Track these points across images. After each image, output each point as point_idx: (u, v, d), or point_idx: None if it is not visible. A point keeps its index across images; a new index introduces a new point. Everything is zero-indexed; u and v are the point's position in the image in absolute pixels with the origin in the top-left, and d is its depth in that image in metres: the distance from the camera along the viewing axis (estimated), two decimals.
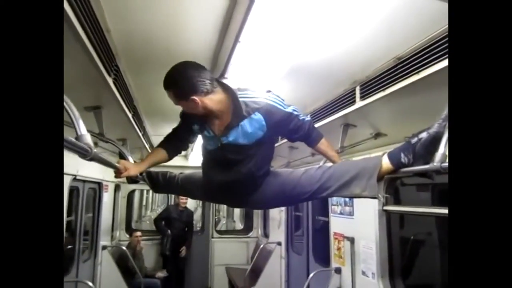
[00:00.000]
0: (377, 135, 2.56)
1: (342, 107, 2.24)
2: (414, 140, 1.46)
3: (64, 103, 1.03)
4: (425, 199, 3.13)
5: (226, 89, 1.57)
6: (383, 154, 1.54)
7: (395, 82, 1.74)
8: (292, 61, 1.79)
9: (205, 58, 1.79)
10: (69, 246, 3.84)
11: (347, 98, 2.17)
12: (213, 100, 1.53)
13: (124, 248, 5.14)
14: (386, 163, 1.51)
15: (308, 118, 1.77)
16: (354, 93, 2.09)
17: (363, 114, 2.20)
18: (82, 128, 0.93)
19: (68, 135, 0.88)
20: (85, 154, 0.92)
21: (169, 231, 5.90)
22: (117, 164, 2.01)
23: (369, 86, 1.93)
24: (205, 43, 1.67)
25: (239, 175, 1.67)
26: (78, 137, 0.90)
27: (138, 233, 5.74)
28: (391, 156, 1.50)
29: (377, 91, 1.88)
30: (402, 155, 1.46)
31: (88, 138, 0.92)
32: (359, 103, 2.05)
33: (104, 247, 4.86)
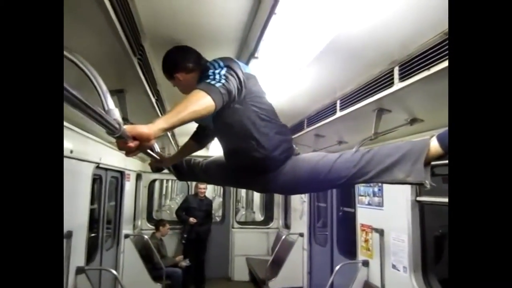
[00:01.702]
0: (413, 120, 2.40)
1: (376, 90, 2.10)
2: None
3: (91, 77, 0.95)
4: None
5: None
6: (432, 137, 1.40)
7: (441, 60, 1.58)
8: (327, 38, 1.65)
9: (235, 36, 1.68)
10: (93, 234, 3.85)
11: (384, 80, 2.02)
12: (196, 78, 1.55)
13: (146, 237, 5.16)
14: (434, 146, 1.37)
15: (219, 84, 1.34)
16: (392, 74, 1.94)
17: (400, 98, 2.05)
18: (110, 103, 0.85)
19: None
20: (113, 130, 0.82)
21: (190, 219, 5.88)
22: (154, 154, 1.97)
23: (411, 65, 1.78)
24: (236, 20, 1.56)
25: (247, 154, 1.60)
26: (106, 112, 0.82)
27: (167, 226, 5.77)
28: (441, 139, 1.36)
29: (419, 71, 1.72)
30: None
31: (117, 114, 0.84)
32: (397, 85, 1.90)
33: (126, 236, 4.88)
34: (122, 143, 0.98)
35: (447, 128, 1.39)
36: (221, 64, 1.41)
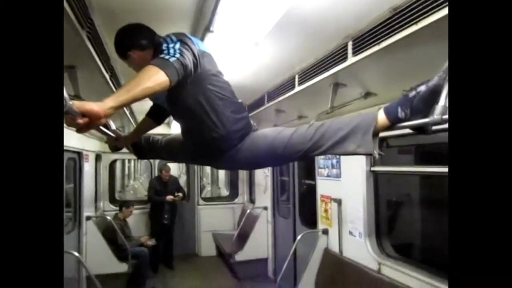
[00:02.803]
0: (367, 94, 2.50)
1: (332, 64, 2.15)
2: (412, 93, 1.39)
3: None
4: (407, 161, 3.16)
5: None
6: (379, 109, 1.48)
7: (390, 35, 1.65)
8: (281, 11, 1.66)
9: (189, 9, 1.64)
10: None
11: (339, 55, 2.07)
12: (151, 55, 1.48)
13: (109, 218, 5.07)
14: (382, 118, 1.45)
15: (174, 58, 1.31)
16: (346, 49, 2.00)
17: (354, 72, 2.12)
18: None
19: None
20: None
21: (168, 197, 5.91)
22: (109, 132, 1.91)
23: (363, 40, 1.84)
24: None
25: (204, 134, 1.60)
26: None
27: (132, 208, 5.69)
28: (387, 111, 1.44)
29: (370, 46, 1.79)
30: (399, 109, 1.40)
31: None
32: (351, 59, 1.96)
33: (88, 218, 4.77)
34: (70, 119, 0.95)
35: (393, 101, 1.48)
36: (174, 39, 1.38)
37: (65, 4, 1.28)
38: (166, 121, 5.88)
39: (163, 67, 1.21)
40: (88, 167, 4.92)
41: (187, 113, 1.58)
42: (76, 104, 0.95)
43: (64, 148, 3.80)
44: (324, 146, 1.53)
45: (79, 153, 4.55)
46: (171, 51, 1.29)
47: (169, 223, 5.96)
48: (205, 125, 1.56)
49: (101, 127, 1.57)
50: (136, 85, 1.14)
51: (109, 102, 1.05)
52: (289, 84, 2.80)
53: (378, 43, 1.73)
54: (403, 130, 1.46)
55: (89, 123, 1.01)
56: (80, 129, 1.02)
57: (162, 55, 1.27)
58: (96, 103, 1.02)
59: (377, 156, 1.48)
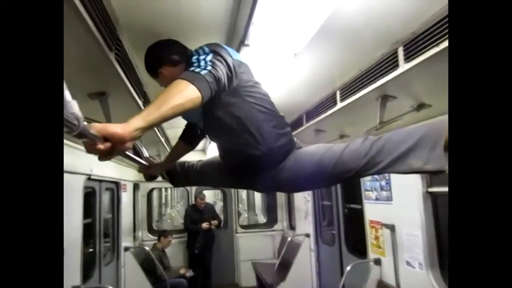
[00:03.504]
0: (420, 106, 2.24)
1: (380, 75, 1.93)
2: None
3: None
4: None
5: None
6: None
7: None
8: (321, 19, 1.48)
9: (221, 22, 1.52)
10: (90, 250, 3.68)
11: (387, 63, 1.85)
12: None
13: (147, 248, 4.98)
14: None
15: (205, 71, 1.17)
16: (396, 56, 1.78)
17: (406, 82, 1.89)
18: (67, 95, 0.68)
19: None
20: (70, 127, 0.66)
21: (203, 225, 5.78)
22: (141, 161, 1.81)
23: (416, 44, 1.62)
24: (220, 3, 1.40)
25: (244, 152, 1.44)
26: None
27: (170, 237, 5.60)
28: None
29: (426, 49, 1.57)
30: None
31: (75, 107, 0.67)
32: (403, 67, 1.73)
33: (126, 249, 4.70)
34: (89, 144, 0.81)
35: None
36: (206, 50, 1.24)
37: (91, 24, 1.18)
38: (201, 147, 5.83)
39: (194, 81, 1.07)
40: (126, 197, 4.91)
41: (225, 129, 1.41)
42: (96, 127, 0.81)
43: (102, 178, 3.79)
44: (383, 163, 1.29)
45: (116, 183, 4.55)
46: (202, 63, 1.15)
47: (201, 252, 5.77)
48: (245, 142, 1.39)
49: (131, 154, 1.44)
50: (164, 102, 0.99)
51: (135, 123, 0.91)
52: (330, 101, 2.60)
53: (436, 45, 1.50)
54: None
55: (112, 149, 0.86)
56: (102, 156, 0.87)
57: (192, 68, 1.14)
58: (120, 124, 0.87)
59: None
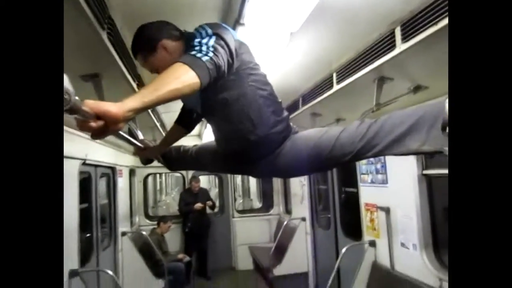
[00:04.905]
0: (417, 88, 2.22)
1: (377, 56, 1.91)
2: None
3: None
4: None
5: None
6: (447, 98, 1.23)
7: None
8: None
9: (216, 2, 1.49)
10: (87, 235, 3.69)
11: (385, 44, 1.83)
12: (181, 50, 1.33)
13: (144, 233, 5.01)
14: None
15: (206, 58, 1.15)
16: (394, 36, 1.76)
17: (403, 63, 1.87)
18: None
19: None
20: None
21: (196, 205, 5.89)
22: (137, 142, 1.79)
23: (415, 23, 1.59)
24: None
25: (241, 137, 1.42)
26: None
27: (169, 223, 5.62)
28: None
29: (425, 28, 1.54)
30: None
31: (66, 81, 0.65)
32: (400, 47, 1.72)
33: (123, 233, 4.72)
34: (82, 121, 0.79)
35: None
36: (209, 31, 1.20)
37: (82, 2, 1.15)
38: (196, 132, 5.80)
39: (194, 66, 1.04)
40: (122, 182, 4.90)
41: (223, 113, 1.40)
42: (89, 104, 0.79)
43: (98, 163, 3.78)
44: (380, 145, 1.29)
45: (112, 168, 4.53)
46: (204, 47, 1.12)
47: (195, 234, 5.88)
48: (243, 126, 1.38)
49: (125, 135, 1.42)
50: (163, 85, 0.97)
51: (130, 103, 0.89)
52: (326, 84, 2.58)
53: (435, 23, 1.48)
54: None
55: (105, 127, 0.84)
56: (95, 135, 0.86)
57: (194, 52, 1.10)
58: (115, 103, 0.85)
59: (447, 154, 1.23)
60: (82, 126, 0.81)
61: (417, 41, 1.61)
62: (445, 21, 1.44)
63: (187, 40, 1.30)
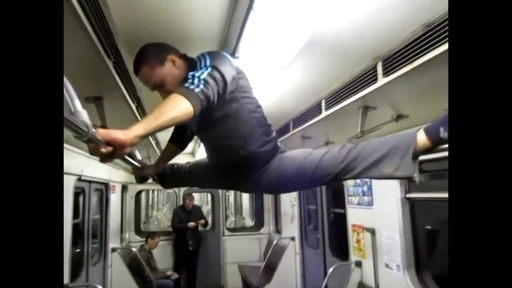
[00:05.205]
0: (399, 117, 2.38)
1: (362, 87, 2.07)
2: None
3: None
4: (441, 187, 2.93)
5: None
6: (419, 129, 1.37)
7: (424, 52, 1.57)
8: (307, 35, 1.62)
9: (213, 35, 1.63)
10: (78, 250, 3.71)
11: (368, 77, 1.99)
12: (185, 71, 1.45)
13: (134, 250, 5.02)
14: (422, 139, 1.34)
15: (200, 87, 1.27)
16: (376, 70, 1.92)
17: (385, 94, 2.03)
18: (77, 105, 0.78)
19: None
20: (80, 133, 0.76)
21: (190, 224, 5.97)
22: (134, 162, 1.89)
23: (394, 60, 1.76)
24: (213, 17, 1.51)
25: (232, 152, 1.56)
26: (72, 114, 0.75)
27: (157, 239, 5.69)
28: (428, 131, 1.33)
29: (403, 65, 1.71)
30: (442, 129, 1.29)
31: (85, 116, 0.77)
32: (382, 80, 1.88)
33: (113, 249, 4.74)
34: (93, 147, 0.92)
35: (435, 121, 1.37)
36: (208, 63, 1.35)
37: (92, 33, 1.28)
38: (190, 150, 5.88)
39: (189, 97, 1.20)
40: (114, 198, 4.94)
41: (218, 130, 1.54)
42: (100, 133, 0.91)
43: (91, 179, 3.84)
44: (357, 168, 1.43)
45: (106, 184, 4.59)
46: (195, 81, 1.27)
47: (194, 249, 5.93)
48: (235, 142, 1.53)
49: (126, 157, 1.54)
50: (162, 114, 1.12)
51: (136, 131, 1.02)
52: (315, 109, 2.73)
53: (411, 62, 1.64)
54: (445, 152, 1.34)
55: (113, 152, 0.97)
56: (104, 159, 0.98)
57: (187, 84, 1.26)
58: (122, 131, 0.98)
59: (417, 180, 1.36)
60: (94, 152, 0.93)
61: (397, 76, 1.77)
62: (422, 59, 1.60)
63: (190, 63, 1.46)
